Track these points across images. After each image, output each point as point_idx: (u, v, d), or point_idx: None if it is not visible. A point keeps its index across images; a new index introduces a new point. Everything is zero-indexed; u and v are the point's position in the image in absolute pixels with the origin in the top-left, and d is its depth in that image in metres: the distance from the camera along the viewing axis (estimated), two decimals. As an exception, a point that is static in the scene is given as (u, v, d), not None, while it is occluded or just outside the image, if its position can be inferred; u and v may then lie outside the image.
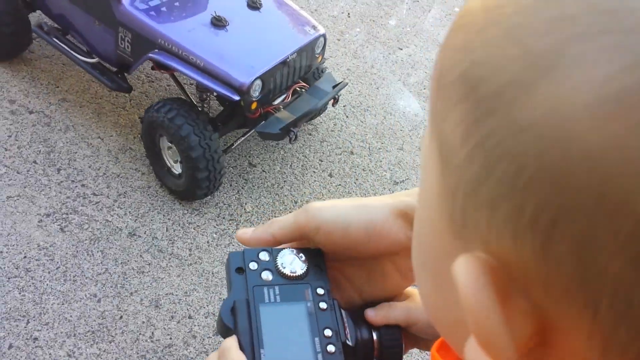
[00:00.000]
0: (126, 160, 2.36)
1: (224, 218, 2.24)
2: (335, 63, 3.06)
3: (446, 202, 0.31)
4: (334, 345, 0.90)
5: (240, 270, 1.01)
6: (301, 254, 1.07)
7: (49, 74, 2.62)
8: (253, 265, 1.00)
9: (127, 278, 1.99)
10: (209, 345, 1.86)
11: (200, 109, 2.21)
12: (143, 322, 1.89)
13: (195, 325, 1.91)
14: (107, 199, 2.21)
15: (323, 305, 0.94)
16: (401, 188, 2.49)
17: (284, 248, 1.02)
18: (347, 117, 2.78)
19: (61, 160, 2.30)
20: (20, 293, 1.90)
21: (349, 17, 3.40)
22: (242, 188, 2.36)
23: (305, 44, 2.25)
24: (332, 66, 3.03)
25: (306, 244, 0.74)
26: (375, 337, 0.91)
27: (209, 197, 2.29)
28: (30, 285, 1.92)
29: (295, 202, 2.35)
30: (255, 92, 2.08)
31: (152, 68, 2.39)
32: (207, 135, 2.07)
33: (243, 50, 2.16)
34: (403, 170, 2.58)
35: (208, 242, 2.15)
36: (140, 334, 1.86)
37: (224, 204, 2.29)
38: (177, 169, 2.22)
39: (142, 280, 2.00)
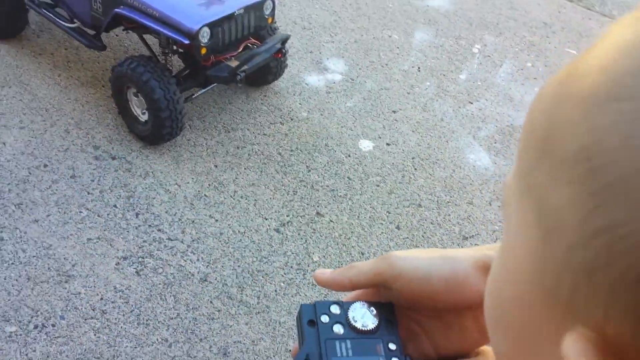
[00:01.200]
0: (201, 206, 2.44)
1: (291, 267, 2.26)
2: (404, 115, 3.08)
3: (545, 274, 0.30)
4: None
5: (312, 322, 1.02)
6: (372, 308, 1.07)
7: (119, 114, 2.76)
8: (325, 318, 1.01)
9: (197, 324, 2.03)
10: (275, 396, 1.86)
11: (164, 66, 2.58)
12: (211, 369, 1.92)
13: (261, 375, 1.92)
14: (181, 244, 2.28)
15: None
16: (470, 243, 2.45)
17: (356, 301, 1.03)
18: (415, 169, 2.78)
19: (140, 205, 2.40)
20: (95, 335, 1.97)
21: (419, 71, 3.44)
22: (310, 238, 2.39)
23: (252, 3, 2.61)
24: (402, 118, 3.06)
25: (382, 294, 0.74)
26: None
27: (279, 245, 2.32)
28: (105, 327, 1.99)
29: (362, 254, 2.35)
30: (204, 39, 2.44)
31: (123, 29, 2.86)
32: (166, 81, 2.45)
33: (194, 4, 2.55)
34: (473, 225, 2.54)
35: (276, 290, 2.17)
36: (208, 381, 1.89)
37: (292, 253, 2.31)
38: (143, 117, 2.60)
39: (212, 326, 2.03)
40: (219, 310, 2.08)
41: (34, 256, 2.15)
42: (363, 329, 1.02)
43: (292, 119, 2.95)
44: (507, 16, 4.13)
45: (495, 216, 2.60)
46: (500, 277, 0.37)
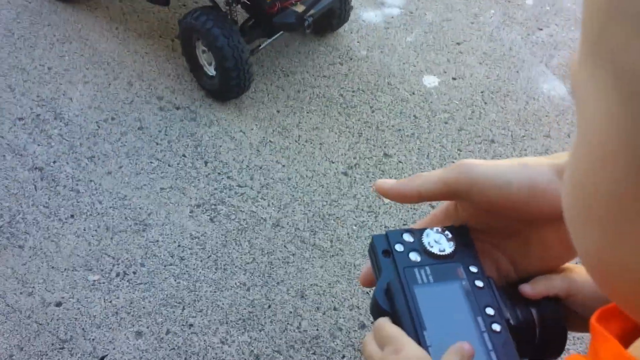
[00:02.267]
0: (267, 152, 2.42)
1: (362, 210, 2.23)
2: (470, 47, 2.94)
3: (635, 142, 0.28)
4: (498, 324, 0.83)
5: (387, 252, 0.96)
6: (447, 232, 1.00)
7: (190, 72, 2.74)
8: (399, 247, 0.95)
9: (273, 268, 2.05)
10: (355, 338, 1.87)
11: (228, 16, 2.50)
12: (290, 312, 1.93)
13: (340, 318, 1.93)
14: (251, 190, 2.28)
15: (479, 283, 0.86)
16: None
17: (427, 228, 0.96)
18: (485, 103, 2.67)
19: (208, 153, 2.40)
20: (175, 280, 2.01)
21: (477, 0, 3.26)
22: (379, 178, 2.34)
23: None
24: (467, 50, 2.92)
25: (451, 216, 0.67)
26: (535, 314, 0.83)
27: (348, 188, 2.29)
28: (184, 273, 2.03)
29: (435, 193, 2.29)
30: None
31: None
32: (229, 29, 2.38)
33: None
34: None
35: (348, 234, 2.15)
36: (288, 323, 1.91)
37: (362, 196, 2.28)
38: (211, 70, 2.54)
39: (288, 270, 2.04)
40: (293, 254, 2.08)
41: (110, 207, 2.20)
42: (440, 253, 0.95)
43: (351, 59, 2.86)
44: None
45: (572, 148, 2.48)
46: (581, 167, 0.34)
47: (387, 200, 2.27)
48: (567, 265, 0.72)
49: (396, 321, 0.92)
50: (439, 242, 0.97)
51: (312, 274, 2.03)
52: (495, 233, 0.66)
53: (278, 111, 2.60)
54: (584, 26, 0.31)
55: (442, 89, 2.72)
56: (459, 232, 1.05)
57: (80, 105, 2.57)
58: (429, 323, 0.88)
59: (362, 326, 1.91)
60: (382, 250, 0.96)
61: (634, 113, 0.28)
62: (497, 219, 0.60)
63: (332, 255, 2.08)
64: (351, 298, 1.97)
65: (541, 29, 3.08)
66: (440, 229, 1.04)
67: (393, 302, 0.88)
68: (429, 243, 0.98)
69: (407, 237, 0.97)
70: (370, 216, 2.21)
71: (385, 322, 0.82)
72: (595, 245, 0.35)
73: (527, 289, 0.82)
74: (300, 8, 2.46)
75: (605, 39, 0.29)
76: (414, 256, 0.95)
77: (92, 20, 3.00)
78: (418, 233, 1.01)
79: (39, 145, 2.38)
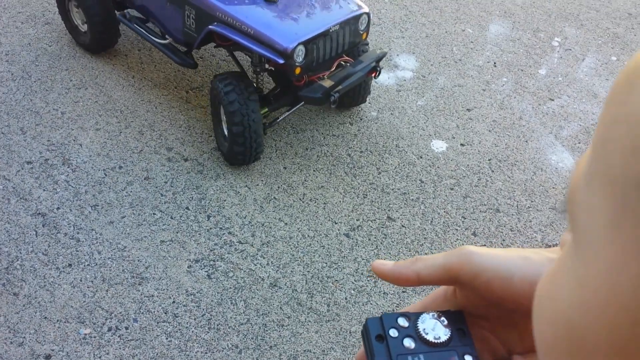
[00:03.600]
0: (270, 209, 2.41)
1: (362, 274, 2.20)
2: (480, 114, 2.95)
3: None
4: None
5: (381, 337, 0.94)
6: (443, 318, 0.98)
7: (203, 124, 2.78)
8: (393, 332, 0.93)
9: (267, 330, 2.01)
10: (346, 409, 1.81)
11: (255, 84, 2.52)
12: (281, 378, 1.89)
13: (332, 386, 1.88)
14: (251, 247, 2.27)
15: None
16: (552, 251, 2.31)
17: (424, 312, 0.95)
18: (492, 171, 2.66)
19: (211, 207, 2.40)
20: (167, 339, 1.98)
21: (495, 66, 3.29)
22: (381, 243, 2.32)
23: (347, 18, 2.46)
24: (477, 117, 2.93)
25: (449, 299, 0.67)
26: None
27: (349, 251, 2.27)
28: (177, 331, 2.00)
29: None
30: (299, 58, 2.32)
31: (215, 46, 2.73)
32: (251, 107, 2.37)
33: (289, 21, 2.43)
34: (556, 232, 2.40)
35: (346, 298, 2.12)
36: (277, 390, 1.86)
37: (362, 259, 2.25)
38: (226, 132, 2.53)
39: (282, 333, 2.00)
40: (288, 317, 2.05)
41: (109, 258, 2.19)
42: (435, 341, 0.93)
43: (361, 119, 2.88)
44: (588, 7, 3.89)
45: (579, 222, 2.45)
46: (574, 301, 0.30)
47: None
48: None
49: None
50: (435, 329, 0.95)
51: (307, 339, 1.99)
52: (493, 320, 0.65)
53: (285, 168, 2.60)
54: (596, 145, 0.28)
55: (449, 155, 2.72)
56: (455, 318, 1.02)
57: (90, 152, 2.60)
58: None
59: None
60: (375, 335, 0.94)
61: None
62: (497, 308, 0.60)
63: (328, 320, 2.05)
64: (345, 367, 1.93)
65: (552, 100, 3.09)
66: (436, 314, 1.02)
67: None
68: (424, 329, 0.96)
69: (402, 322, 0.95)
70: (369, 281, 2.18)
71: None
72: None
73: None
74: (327, 83, 2.43)
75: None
76: (408, 342, 0.93)
77: (110, 67, 3.06)
78: (414, 317, 0.98)
79: (44, 190, 2.40)
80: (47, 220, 2.29)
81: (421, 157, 2.69)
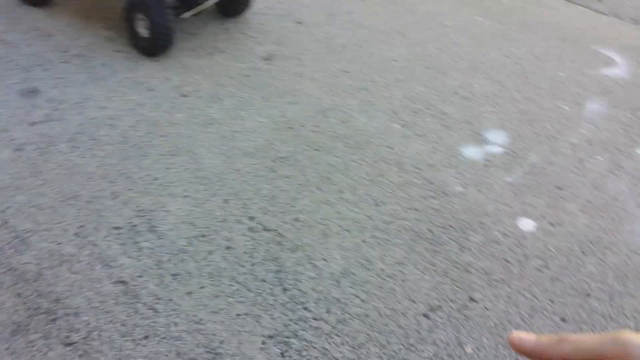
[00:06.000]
0: (347, 284, 2.38)
1: (442, 358, 2.10)
2: (572, 193, 2.81)
3: None
4: None
5: None
6: None
7: (286, 194, 2.82)
8: None
9: (338, 413, 1.94)
10: None
11: None
12: None
13: None
14: (326, 324, 2.23)
15: None
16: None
17: None
18: (584, 254, 2.50)
19: (288, 280, 2.40)
20: (238, 412, 1.95)
21: (590, 144, 3.15)
22: (462, 326, 2.21)
23: None
24: (569, 196, 2.79)
25: None
26: None
27: (427, 333, 2.18)
28: (248, 406, 1.97)
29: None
30: None
31: None
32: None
33: None
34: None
35: (422, 384, 2.02)
36: None
37: (442, 342, 2.15)
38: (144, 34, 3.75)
39: (353, 418, 1.93)
40: (359, 400, 1.97)
41: (184, 330, 2.22)
42: None
43: (445, 194, 2.82)
44: (694, 78, 3.69)
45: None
46: None
47: (469, 351, 2.13)
48: None
49: None
50: None
51: None
52: None
53: (364, 241, 2.58)
54: None
55: (538, 234, 2.59)
56: None
57: (176, 219, 2.69)
58: None
59: None
60: None
61: None
62: None
63: (402, 408, 1.95)
64: None
65: None
66: None
67: None
68: None
69: None
70: (447, 367, 2.07)
71: None
72: None
73: None
74: None
75: None
76: None
77: (204, 135, 3.21)
78: None
79: (128, 257, 2.50)
80: (128, 289, 2.37)
81: (507, 236, 2.58)
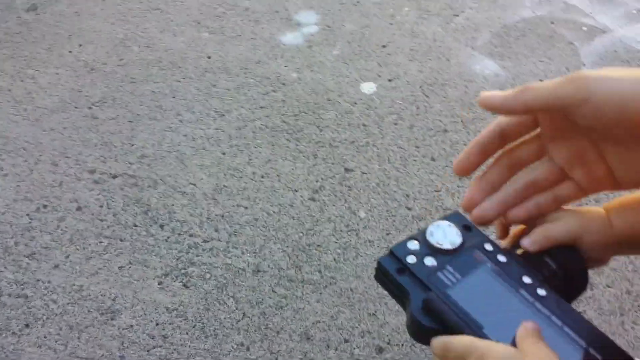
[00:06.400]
0: (225, 199, 2.24)
1: (341, 231, 2.09)
2: (395, 47, 2.90)
3: None
4: (541, 288, 0.79)
5: (401, 270, 0.85)
6: (445, 222, 0.92)
7: (119, 135, 2.54)
8: (411, 259, 0.85)
9: (268, 317, 1.86)
10: (377, 366, 1.71)
11: None
12: (301, 359, 1.75)
13: (355, 348, 1.76)
14: (219, 242, 2.09)
15: (502, 258, 0.83)
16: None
17: (427, 227, 0.89)
18: (427, 96, 2.62)
19: (160, 216, 2.20)
20: (165, 361, 1.78)
21: (393, -2, 3.25)
22: (348, 195, 2.21)
23: None
24: (394, 51, 2.88)
25: (557, 124, 0.63)
26: (553, 263, 0.79)
27: (320, 213, 2.15)
28: (172, 352, 1.80)
29: (407, 196, 2.19)
30: None
31: None
32: None
33: None
34: (508, 133, 2.39)
35: (335, 259, 2.00)
36: (301, 372, 1.72)
37: (337, 217, 2.14)
38: None
39: (284, 315, 1.86)
40: (284, 297, 1.91)
41: (67, 303, 1.95)
42: (453, 247, 0.87)
43: (283, 84, 2.75)
44: None
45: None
46: None
47: (363, 215, 2.14)
48: (571, 209, 0.74)
49: (449, 333, 0.79)
50: (447, 236, 0.87)
51: (311, 312, 1.86)
52: (601, 139, 0.60)
53: (224, 153, 2.43)
54: None
55: (381, 93, 2.64)
56: (454, 218, 0.96)
57: (5, 201, 2.30)
58: (482, 319, 0.77)
59: (380, 350, 1.75)
60: (395, 269, 0.85)
61: None
62: (610, 133, 0.57)
63: (326, 286, 1.92)
64: (359, 325, 1.82)
65: (457, 15, 3.09)
66: (439, 223, 0.93)
67: (438, 317, 0.77)
68: (437, 242, 0.88)
69: (413, 245, 0.87)
70: (351, 235, 2.07)
71: (448, 339, 0.72)
72: None
73: (526, 242, 0.80)
74: None
75: None
76: (430, 261, 0.84)
77: (-5, 108, 2.74)
78: (420, 236, 0.90)
79: (-32, 254, 2.10)
80: (-17, 285, 2.00)
81: (356, 103, 2.60)
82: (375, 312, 1.81)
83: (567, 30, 2.84)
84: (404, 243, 0.90)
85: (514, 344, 0.73)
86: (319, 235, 2.08)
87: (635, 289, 1.71)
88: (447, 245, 0.89)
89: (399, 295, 0.87)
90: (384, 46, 2.92)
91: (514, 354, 0.62)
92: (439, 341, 0.72)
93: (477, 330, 0.75)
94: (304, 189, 2.24)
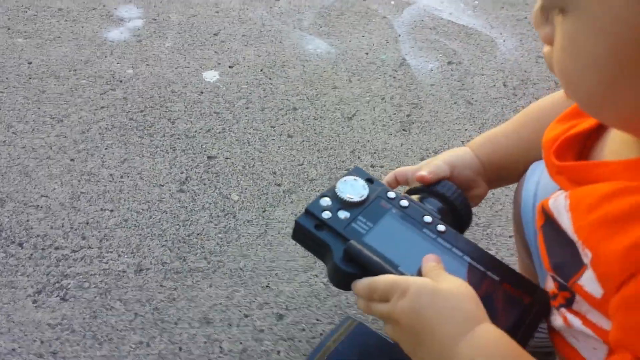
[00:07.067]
0: (85, 205, 2.13)
1: (218, 216, 2.12)
2: (227, 34, 2.95)
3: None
4: (439, 224, 0.99)
5: (319, 225, 1.00)
6: (352, 177, 1.11)
7: (-56, 157, 2.27)
8: (327, 214, 1.01)
9: (161, 312, 1.83)
10: (279, 331, 1.78)
11: None
12: (205, 342, 1.76)
13: (256, 321, 1.82)
14: (90, 249, 1.99)
15: (404, 202, 1.01)
16: (356, 121, 2.50)
17: (336, 183, 1.07)
18: (270, 79, 2.72)
19: (17, 234, 2.03)
20: (59, 380, 1.68)
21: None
22: (217, 181, 2.24)
23: None
24: (227, 38, 2.93)
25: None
26: (442, 198, 1.09)
27: (193, 203, 2.15)
28: (66, 367, 1.70)
29: (274, 173, 2.27)
30: None
31: None
32: None
33: None
34: (348, 104, 2.59)
35: (218, 243, 2.03)
36: (209, 354, 1.74)
37: (210, 203, 2.16)
38: None
39: (178, 305, 1.85)
40: (175, 289, 1.89)
41: None
42: (361, 199, 1.05)
43: (121, 81, 2.66)
44: None
45: (360, 89, 2.67)
46: (586, 46, 0.51)
47: (236, 197, 2.19)
48: (436, 158, 1.14)
49: (370, 276, 0.93)
50: (355, 189, 1.01)
51: (206, 297, 1.87)
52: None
53: (72, 160, 2.30)
54: None
55: (226, 80, 2.69)
56: (357, 171, 1.11)
57: None
58: (396, 259, 0.92)
59: (280, 317, 1.82)
60: (313, 226, 0.96)
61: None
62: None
63: (214, 271, 1.94)
64: (255, 299, 1.87)
65: (278, 0, 3.23)
66: (346, 179, 1.08)
67: (359, 262, 0.89)
68: (347, 196, 1.02)
69: (325, 202, 1.00)
70: (229, 218, 2.11)
71: (372, 279, 0.86)
72: (592, 88, 0.53)
73: (423, 173, 1.05)
74: None
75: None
76: (343, 214, 0.98)
77: None
78: (331, 193, 1.03)
79: None
80: None
81: (202, 92, 2.61)
82: (269, 284, 1.88)
83: (379, 6, 3.12)
84: (317, 201, 0.99)
85: (420, 275, 0.86)
86: (196, 224, 2.08)
87: (483, 220, 1.98)
88: (356, 198, 1.02)
89: (319, 249, 0.96)
90: (215, 34, 2.95)
91: (429, 283, 0.76)
92: (363, 283, 0.83)
93: (394, 269, 0.88)
94: (170, 183, 2.22)
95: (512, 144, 1.06)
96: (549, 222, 0.67)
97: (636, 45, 0.46)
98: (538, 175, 0.95)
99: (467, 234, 1.99)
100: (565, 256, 0.63)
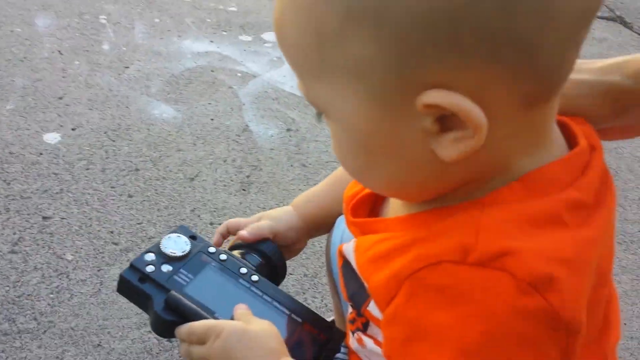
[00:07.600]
0: None
1: (51, 276, 2.11)
2: (72, 98, 2.99)
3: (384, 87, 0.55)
4: (254, 274, 1.20)
5: (142, 279, 1.17)
6: (175, 234, 1.30)
7: None
8: (150, 268, 1.19)
9: (-15, 376, 1.78)
10: (111, 388, 1.81)
11: None
12: (31, 405, 1.74)
13: (86, 380, 1.82)
14: None
15: (223, 256, 1.21)
16: (198, 182, 2.63)
17: (160, 240, 1.24)
18: (113, 141, 2.78)
19: None
20: None
21: (62, 54, 3.32)
22: (51, 242, 2.24)
23: None
24: (72, 102, 2.96)
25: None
26: (260, 255, 1.29)
27: (24, 264, 2.12)
28: None
29: (112, 232, 2.32)
30: None
31: None
32: None
33: None
34: (191, 165, 2.71)
35: (49, 303, 2.02)
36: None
37: (42, 264, 2.15)
38: None
39: (4, 369, 1.81)
40: (2, 352, 1.85)
41: None
42: (183, 254, 1.26)
43: (-47, 143, 2.59)
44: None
45: (204, 152, 2.82)
46: (351, 144, 0.65)
47: (70, 257, 2.20)
48: (265, 214, 1.27)
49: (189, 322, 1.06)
50: (177, 245, 1.15)
51: (34, 358, 1.85)
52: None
53: None
54: (302, 56, 0.60)
55: (67, 141, 2.71)
56: (182, 230, 1.26)
57: None
58: (213, 306, 1.07)
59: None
60: (137, 279, 1.08)
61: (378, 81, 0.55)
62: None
63: (45, 331, 1.93)
64: (86, 357, 1.88)
65: (128, 67, 3.33)
66: (170, 236, 1.21)
67: (178, 311, 1.03)
68: (170, 251, 1.15)
69: (149, 257, 1.12)
70: (62, 278, 2.11)
71: (190, 325, 1.00)
72: (355, 168, 0.69)
73: (244, 234, 1.22)
74: None
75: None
76: (166, 267, 1.11)
77: None
78: (155, 248, 1.16)
79: None
80: None
81: (42, 154, 2.62)
82: (100, 342, 1.90)
83: (226, 77, 3.34)
84: (141, 256, 1.09)
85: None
86: (27, 285, 2.06)
87: (311, 272, 2.17)
88: (178, 253, 1.14)
89: (143, 301, 1.06)
90: (60, 98, 2.98)
91: (240, 325, 0.91)
92: (183, 328, 0.96)
93: (211, 316, 1.02)
94: (1, 244, 2.19)
95: (330, 198, 1.22)
96: (346, 262, 0.81)
97: (373, 139, 0.58)
98: (344, 225, 1.13)
99: (296, 283, 2.17)
100: (357, 288, 0.79)
